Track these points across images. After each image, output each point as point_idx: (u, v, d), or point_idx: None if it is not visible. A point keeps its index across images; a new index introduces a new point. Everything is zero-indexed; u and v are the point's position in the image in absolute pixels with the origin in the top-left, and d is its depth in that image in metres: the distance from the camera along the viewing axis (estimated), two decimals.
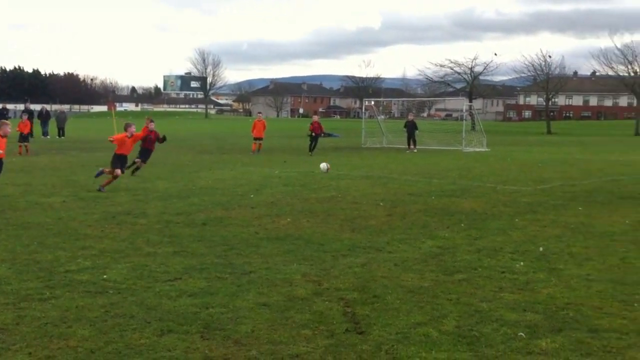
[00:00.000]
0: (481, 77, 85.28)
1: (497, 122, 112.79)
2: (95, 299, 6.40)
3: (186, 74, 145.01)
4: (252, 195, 14.04)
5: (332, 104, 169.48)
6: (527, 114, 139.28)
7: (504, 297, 6.68)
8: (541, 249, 8.98)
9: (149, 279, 7.17)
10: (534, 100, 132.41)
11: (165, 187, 15.39)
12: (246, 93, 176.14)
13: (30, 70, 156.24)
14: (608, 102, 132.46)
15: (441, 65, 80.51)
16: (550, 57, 79.89)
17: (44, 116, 41.85)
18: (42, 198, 13.26)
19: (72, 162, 22.64)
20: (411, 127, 32.57)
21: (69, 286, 6.82)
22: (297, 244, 9.14)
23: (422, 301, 6.49)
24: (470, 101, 60.81)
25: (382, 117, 48.88)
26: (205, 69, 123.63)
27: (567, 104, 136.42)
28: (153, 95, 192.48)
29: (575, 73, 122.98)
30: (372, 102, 54.21)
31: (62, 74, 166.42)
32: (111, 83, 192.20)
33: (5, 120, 13.77)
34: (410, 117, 33.77)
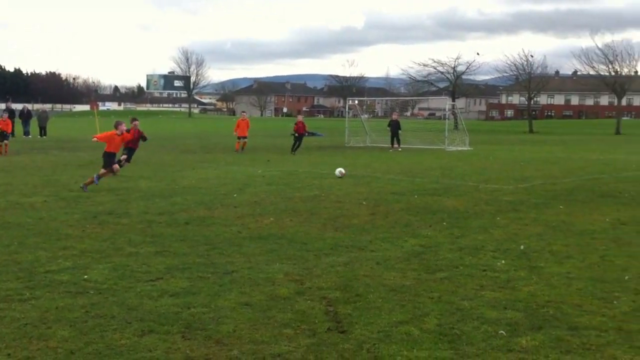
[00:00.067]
0: (464, 77, 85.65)
1: (479, 121, 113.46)
2: (76, 299, 6.35)
3: (169, 73, 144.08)
4: (235, 195, 14.01)
5: (315, 103, 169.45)
6: (509, 113, 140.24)
7: (485, 295, 6.73)
8: (522, 247, 9.05)
9: (130, 279, 7.13)
10: (516, 99, 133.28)
11: (148, 186, 15.31)
12: (230, 92, 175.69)
13: (12, 70, 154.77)
14: (589, 101, 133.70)
15: (424, 65, 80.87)
16: (532, 56, 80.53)
17: (26, 115, 41.42)
18: (22, 198, 13.14)
19: (53, 161, 22.45)
20: (395, 127, 32.71)
21: (49, 287, 6.77)
22: (280, 243, 9.13)
23: (404, 300, 6.51)
24: (453, 100, 61.10)
25: (366, 116, 48.96)
26: (189, 68, 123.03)
27: (549, 103, 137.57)
28: (136, 95, 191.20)
29: (557, 72, 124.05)
30: (356, 102, 54.26)
31: (44, 73, 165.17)
32: (94, 82, 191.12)
33: None
34: (395, 117, 33.90)
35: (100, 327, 5.57)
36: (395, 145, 32.41)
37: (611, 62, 70.14)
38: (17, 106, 49.64)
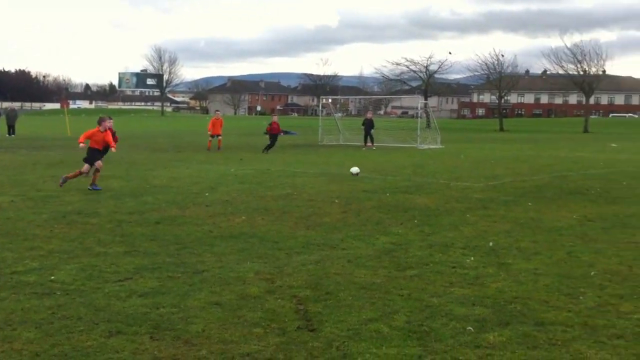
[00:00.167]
0: (436, 76, 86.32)
1: (451, 120, 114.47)
2: (42, 300, 6.26)
3: (142, 71, 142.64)
4: (207, 194, 13.93)
5: (289, 101, 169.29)
6: (480, 111, 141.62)
7: (454, 291, 6.79)
8: (491, 244, 9.15)
9: (98, 279, 7.05)
10: (487, 98, 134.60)
11: (119, 185, 15.15)
12: (203, 91, 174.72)
13: None
14: (558, 100, 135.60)
15: (397, 64, 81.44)
16: (502, 56, 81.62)
17: None
18: None
19: (22, 160, 22.09)
20: (368, 125, 32.89)
21: (15, 288, 6.66)
22: (251, 242, 9.11)
23: (374, 297, 6.54)
24: (426, 99, 61.57)
25: (339, 114, 49.10)
26: (162, 66, 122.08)
27: (519, 101, 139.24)
28: (108, 93, 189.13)
29: (527, 72, 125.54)
30: (330, 100, 54.27)
31: (13, 70, 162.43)
32: (64, 80, 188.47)
33: None
34: (369, 115, 34.11)
35: (67, 328, 5.50)
36: (369, 144, 32.54)
37: (580, 62, 71.39)
38: None
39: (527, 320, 5.91)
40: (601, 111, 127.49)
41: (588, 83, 72.66)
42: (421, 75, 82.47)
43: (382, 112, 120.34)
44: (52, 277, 7.08)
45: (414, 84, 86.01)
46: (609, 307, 6.33)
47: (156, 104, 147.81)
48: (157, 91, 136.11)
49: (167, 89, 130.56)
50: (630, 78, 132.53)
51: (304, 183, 16.20)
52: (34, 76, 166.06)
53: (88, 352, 5.01)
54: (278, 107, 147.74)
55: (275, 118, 29.86)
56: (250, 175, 17.84)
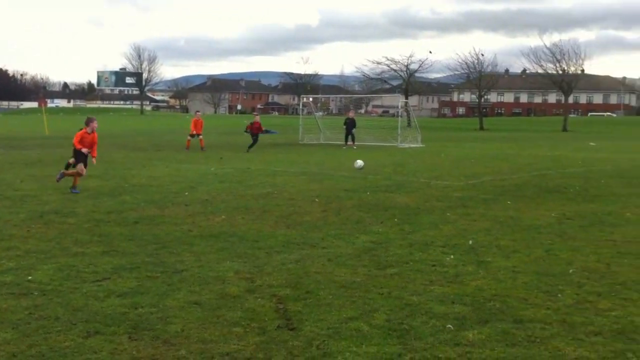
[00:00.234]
0: (417, 75, 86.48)
1: (432, 119, 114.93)
2: (19, 300, 6.18)
3: (121, 69, 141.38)
4: (186, 193, 13.85)
5: (270, 100, 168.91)
6: (460, 110, 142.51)
7: (434, 290, 6.81)
8: (470, 242, 9.19)
9: (76, 279, 6.97)
10: (467, 97, 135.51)
11: (97, 185, 15.00)
12: (183, 89, 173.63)
13: None
14: (538, 99, 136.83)
15: (378, 63, 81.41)
16: (482, 55, 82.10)
17: None
18: None
19: None
20: (350, 125, 32.92)
21: None
22: (231, 241, 9.07)
23: (354, 296, 6.54)
24: (406, 98, 61.81)
25: (320, 113, 49.08)
26: (141, 64, 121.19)
27: (498, 100, 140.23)
28: (86, 92, 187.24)
29: (507, 71, 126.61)
30: (310, 99, 54.28)
31: None
32: (42, 79, 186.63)
33: None
34: (351, 115, 34.17)
35: (44, 328, 5.43)
36: (350, 143, 32.58)
37: (559, 61, 71.97)
38: None
39: (506, 317, 5.95)
40: (580, 110, 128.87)
41: (567, 82, 73.30)
42: (402, 74, 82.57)
43: (362, 111, 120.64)
44: (29, 277, 6.99)
45: (395, 82, 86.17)
46: (587, 304, 6.39)
47: (135, 102, 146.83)
48: (136, 90, 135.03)
49: (147, 88, 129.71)
50: (608, 77, 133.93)
51: (284, 182, 16.17)
52: (11, 74, 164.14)
53: (66, 352, 4.95)
54: (259, 106, 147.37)
55: (257, 118, 29.81)
56: (230, 174, 17.77)
